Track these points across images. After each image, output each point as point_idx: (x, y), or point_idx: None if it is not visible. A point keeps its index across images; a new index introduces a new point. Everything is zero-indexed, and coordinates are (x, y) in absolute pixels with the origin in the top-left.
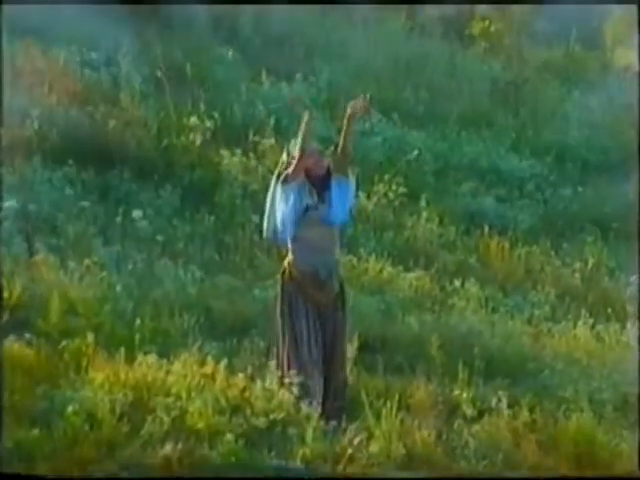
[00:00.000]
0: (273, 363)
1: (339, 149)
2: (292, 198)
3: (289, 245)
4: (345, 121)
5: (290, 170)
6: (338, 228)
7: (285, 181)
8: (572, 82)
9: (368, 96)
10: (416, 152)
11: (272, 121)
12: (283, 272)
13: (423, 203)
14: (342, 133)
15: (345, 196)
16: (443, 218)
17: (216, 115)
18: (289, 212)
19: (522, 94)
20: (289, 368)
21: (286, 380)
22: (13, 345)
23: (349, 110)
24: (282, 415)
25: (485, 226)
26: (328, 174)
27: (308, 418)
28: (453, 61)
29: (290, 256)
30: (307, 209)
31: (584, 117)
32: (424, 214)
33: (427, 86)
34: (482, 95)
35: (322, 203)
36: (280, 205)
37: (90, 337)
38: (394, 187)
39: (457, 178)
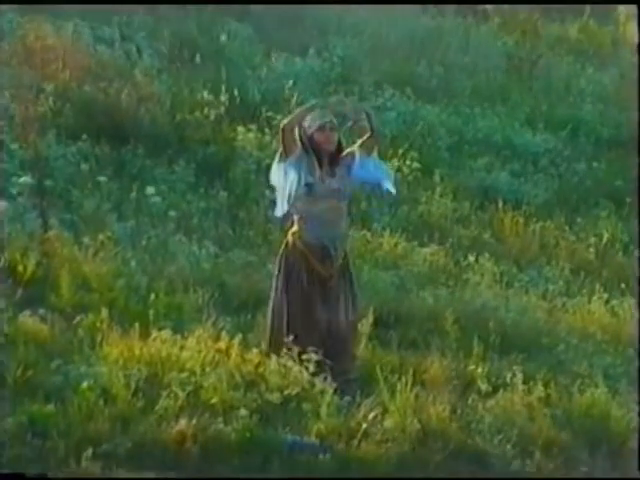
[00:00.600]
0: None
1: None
2: (292, 173)
3: (294, 218)
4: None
5: (281, 149)
6: (346, 202)
7: (281, 159)
8: (586, 57)
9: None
10: (428, 125)
11: (286, 96)
12: (286, 244)
13: (437, 178)
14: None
15: (370, 173)
16: (457, 193)
17: (230, 90)
18: (290, 187)
19: (536, 69)
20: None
21: (304, 356)
22: (27, 320)
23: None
24: (296, 390)
25: (499, 201)
26: (339, 149)
27: (322, 393)
28: (467, 37)
29: (295, 228)
30: (312, 184)
31: (598, 92)
32: (438, 189)
33: (441, 61)
34: (496, 70)
35: (331, 177)
36: (280, 182)
37: (104, 312)
38: (408, 162)
39: (471, 153)
